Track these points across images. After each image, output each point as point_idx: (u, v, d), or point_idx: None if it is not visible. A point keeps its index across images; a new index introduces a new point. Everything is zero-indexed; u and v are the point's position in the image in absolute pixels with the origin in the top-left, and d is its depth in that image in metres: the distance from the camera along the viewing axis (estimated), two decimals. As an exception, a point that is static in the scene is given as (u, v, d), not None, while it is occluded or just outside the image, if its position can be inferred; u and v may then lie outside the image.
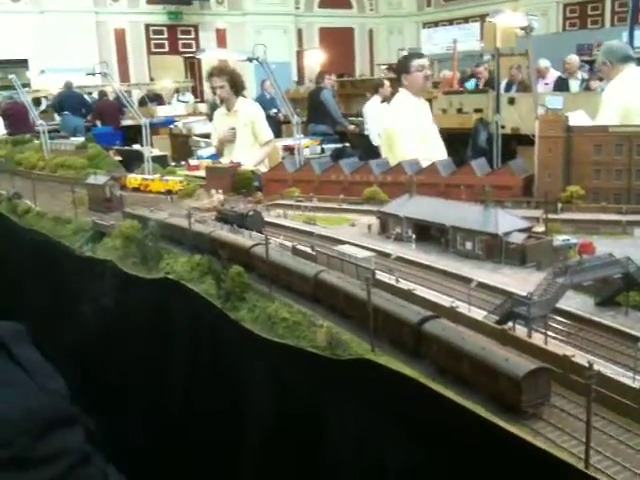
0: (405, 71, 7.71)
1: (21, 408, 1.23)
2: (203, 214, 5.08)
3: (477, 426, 2.25)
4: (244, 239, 4.24)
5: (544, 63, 15.06)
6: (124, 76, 27.31)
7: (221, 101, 9.24)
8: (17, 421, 1.20)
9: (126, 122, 17.17)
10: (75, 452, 0.83)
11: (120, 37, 29.01)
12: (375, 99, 13.90)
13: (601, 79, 11.69)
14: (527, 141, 7.71)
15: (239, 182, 6.13)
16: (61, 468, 0.81)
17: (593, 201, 4.58)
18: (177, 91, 23.67)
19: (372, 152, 13.18)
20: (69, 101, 18.16)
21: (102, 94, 18.97)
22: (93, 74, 8.81)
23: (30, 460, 1.18)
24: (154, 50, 30.37)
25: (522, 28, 6.00)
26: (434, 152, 7.12)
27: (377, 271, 3.50)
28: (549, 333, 2.63)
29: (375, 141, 12.30)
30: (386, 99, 13.20)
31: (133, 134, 14.46)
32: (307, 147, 10.65)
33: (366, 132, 14.19)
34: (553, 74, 15.27)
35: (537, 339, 2.61)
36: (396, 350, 2.79)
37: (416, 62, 7.67)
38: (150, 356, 4.54)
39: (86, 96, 19.91)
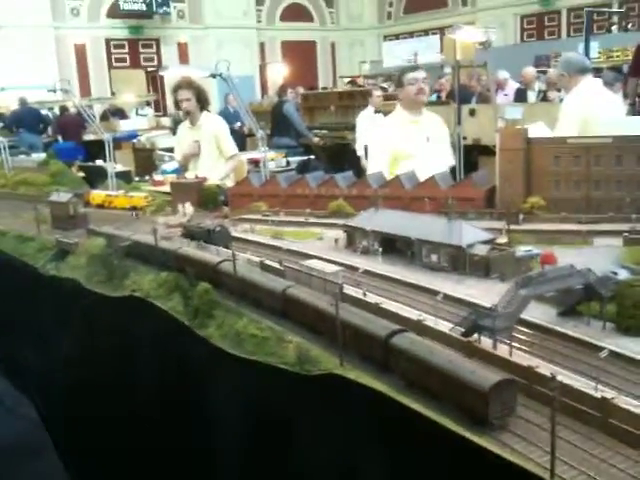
0: (399, 85, 7.79)
1: None
2: (169, 230, 5.06)
3: (445, 438, 2.28)
4: (211, 256, 4.24)
5: (503, 74, 15.36)
6: (85, 91, 27.07)
7: (185, 114, 9.21)
8: None
9: (88, 137, 17.00)
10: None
11: (80, 52, 28.78)
12: (368, 109, 13.73)
13: (559, 90, 11.97)
14: (488, 151, 7.86)
15: (205, 197, 6.12)
16: None
17: (553, 211, 4.68)
18: (138, 105, 23.53)
19: (338, 162, 13.30)
20: (25, 118, 17.87)
21: (63, 109, 18.77)
22: (54, 91, 8.73)
23: None
24: (115, 64, 30.19)
25: (480, 43, 6.13)
26: (421, 168, 7.01)
27: (345, 285, 3.54)
28: (514, 344, 2.68)
29: (359, 151, 12.21)
30: (378, 109, 13.18)
31: (96, 149, 14.32)
32: (272, 160, 10.67)
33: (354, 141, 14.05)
34: (512, 85, 15.57)
35: (502, 350, 2.66)
36: (365, 364, 2.82)
37: (409, 75, 7.71)
38: (117, 374, 4.50)
39: (46, 111, 19.67)
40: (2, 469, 1.06)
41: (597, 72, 16.20)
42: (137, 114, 22.19)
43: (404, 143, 7.52)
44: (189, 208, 5.60)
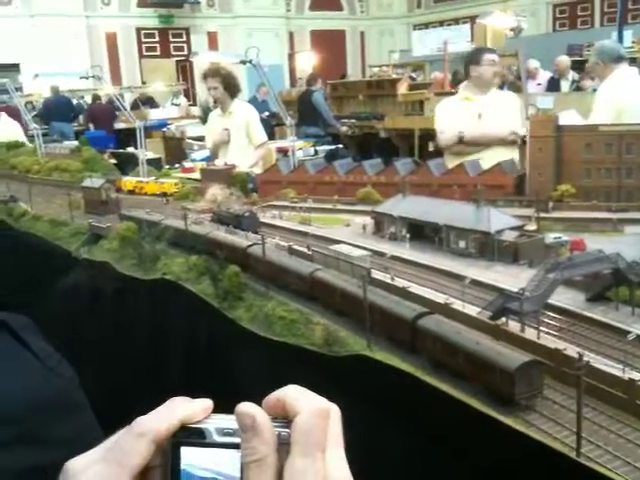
0: (475, 62, 7.75)
1: (32, 388, 1.25)
2: (199, 215, 5.13)
3: (472, 418, 2.31)
4: (240, 239, 4.29)
5: (533, 64, 15.15)
6: (116, 79, 27.26)
7: (215, 102, 9.27)
8: (29, 400, 1.22)
9: (119, 125, 17.18)
10: (85, 440, 0.87)
11: (111, 41, 29.00)
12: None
13: (593, 78, 11.80)
14: (518, 141, 7.76)
15: (234, 184, 6.18)
16: (69, 454, 0.85)
17: (584, 199, 4.65)
18: (173, 94, 23.65)
19: (367, 151, 13.23)
20: (56, 107, 18.03)
21: (95, 97, 18.95)
22: (87, 77, 8.85)
23: (40, 441, 1.20)
24: (146, 53, 30.37)
25: (511, 29, 6.09)
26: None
27: (372, 270, 3.56)
28: (541, 328, 2.69)
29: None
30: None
31: (126, 137, 14.48)
32: (300, 149, 10.69)
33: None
34: (543, 75, 15.37)
35: (530, 334, 2.67)
36: (392, 346, 2.85)
37: (488, 56, 7.73)
38: (148, 355, 4.59)
39: (78, 100, 19.89)
40: (44, 421, 1.10)
41: (632, 62, 15.97)
42: (172, 103, 22.29)
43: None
44: (220, 193, 5.65)
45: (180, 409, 0.86)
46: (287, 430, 0.82)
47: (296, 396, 0.84)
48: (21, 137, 11.29)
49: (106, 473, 0.81)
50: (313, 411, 0.83)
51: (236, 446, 0.82)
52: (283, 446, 0.82)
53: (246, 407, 0.82)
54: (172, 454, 0.84)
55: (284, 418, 0.84)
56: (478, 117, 7.58)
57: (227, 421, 0.85)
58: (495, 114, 7.47)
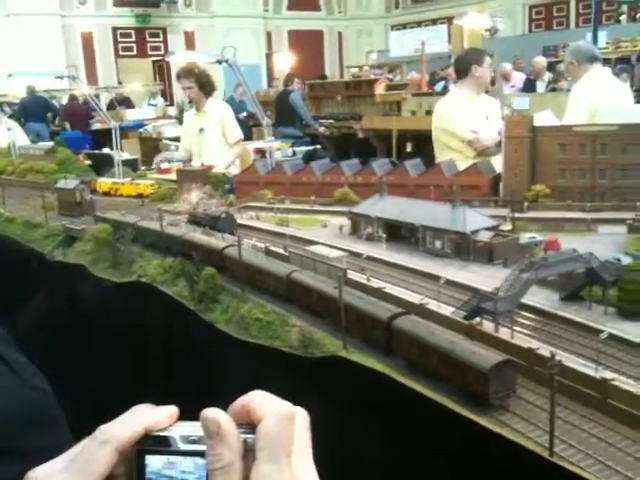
0: (478, 63, 7.80)
1: (7, 401, 1.24)
2: (175, 217, 5.09)
3: (446, 418, 2.31)
4: (217, 241, 4.27)
5: (506, 66, 15.24)
6: (92, 79, 27.05)
7: (190, 102, 9.24)
8: (4, 412, 1.21)
9: (95, 126, 17.03)
10: (60, 451, 0.86)
11: (87, 40, 28.77)
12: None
13: (567, 79, 11.91)
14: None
15: (211, 185, 6.14)
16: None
17: (558, 199, 4.69)
18: (150, 95, 23.47)
19: (345, 152, 13.24)
20: (32, 107, 17.85)
21: (72, 98, 18.78)
22: (62, 77, 8.75)
23: (14, 453, 1.19)
24: (122, 53, 30.18)
25: (487, 30, 6.12)
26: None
27: (349, 270, 3.56)
28: (515, 327, 2.71)
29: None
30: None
31: (102, 138, 14.34)
32: (279, 150, 10.67)
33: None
34: (516, 76, 15.48)
35: (504, 333, 2.69)
36: (368, 347, 2.85)
37: (488, 58, 7.86)
38: (123, 358, 4.55)
39: (53, 101, 19.68)
40: (18, 433, 1.09)
41: (606, 62, 16.16)
42: (148, 104, 22.13)
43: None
44: (196, 195, 5.62)
45: (144, 416, 0.85)
46: (253, 436, 0.82)
47: (260, 401, 0.84)
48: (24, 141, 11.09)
49: None
50: (277, 416, 0.82)
51: (201, 454, 0.82)
52: (249, 452, 0.81)
53: (211, 413, 0.82)
54: (137, 462, 0.83)
55: (249, 424, 0.83)
56: (486, 118, 7.67)
57: (192, 428, 0.84)
58: (494, 115, 7.55)
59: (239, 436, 0.81)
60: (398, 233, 4.26)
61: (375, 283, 3.43)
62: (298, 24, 33.58)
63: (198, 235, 4.48)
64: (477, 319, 2.79)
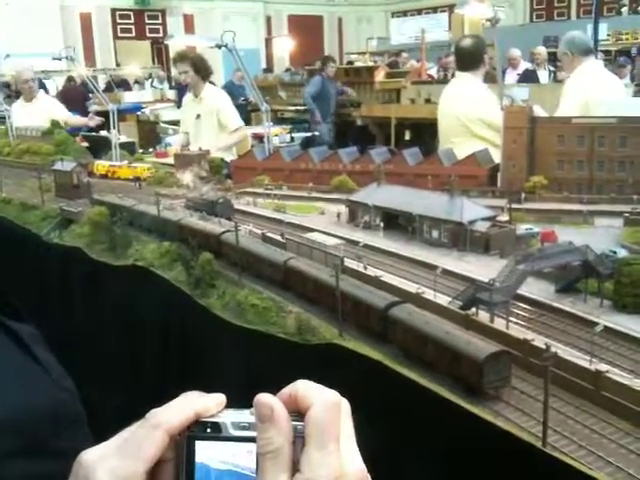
0: (486, 52, 7.77)
1: (39, 400, 1.25)
2: (172, 201, 5.09)
3: (441, 407, 2.33)
4: (214, 226, 4.27)
5: (516, 53, 15.02)
6: (90, 61, 26.81)
7: (186, 86, 9.19)
8: (35, 412, 1.22)
9: (92, 108, 16.91)
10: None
11: (86, 21, 28.51)
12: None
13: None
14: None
15: (209, 169, 6.13)
16: (67, 466, 0.85)
17: (556, 191, 4.69)
18: (150, 77, 23.28)
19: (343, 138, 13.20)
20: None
21: (69, 79, 18.64)
22: (59, 58, 8.68)
23: (44, 452, 1.20)
24: (120, 35, 29.92)
25: (488, 19, 6.09)
26: None
27: (345, 258, 3.57)
28: (510, 318, 2.72)
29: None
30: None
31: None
32: (276, 135, 10.63)
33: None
34: (524, 65, 15.35)
35: (499, 324, 2.70)
36: (363, 335, 2.86)
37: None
38: (119, 342, 4.56)
39: (50, 81, 19.53)
40: (48, 432, 1.10)
41: (606, 54, 16.08)
42: (152, 86, 21.91)
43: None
44: (193, 179, 5.60)
45: (195, 402, 0.86)
46: (301, 423, 0.83)
47: (307, 389, 0.85)
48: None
49: (122, 465, 0.81)
50: (326, 403, 0.84)
51: (251, 439, 0.83)
52: (298, 439, 0.83)
53: (265, 398, 0.83)
54: (187, 448, 0.84)
55: (296, 412, 0.84)
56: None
57: (241, 415, 0.86)
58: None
59: (290, 422, 0.82)
60: (395, 222, 4.26)
61: (372, 271, 3.43)
62: (298, 9, 33.34)
63: (195, 220, 4.47)
64: (473, 309, 2.80)
